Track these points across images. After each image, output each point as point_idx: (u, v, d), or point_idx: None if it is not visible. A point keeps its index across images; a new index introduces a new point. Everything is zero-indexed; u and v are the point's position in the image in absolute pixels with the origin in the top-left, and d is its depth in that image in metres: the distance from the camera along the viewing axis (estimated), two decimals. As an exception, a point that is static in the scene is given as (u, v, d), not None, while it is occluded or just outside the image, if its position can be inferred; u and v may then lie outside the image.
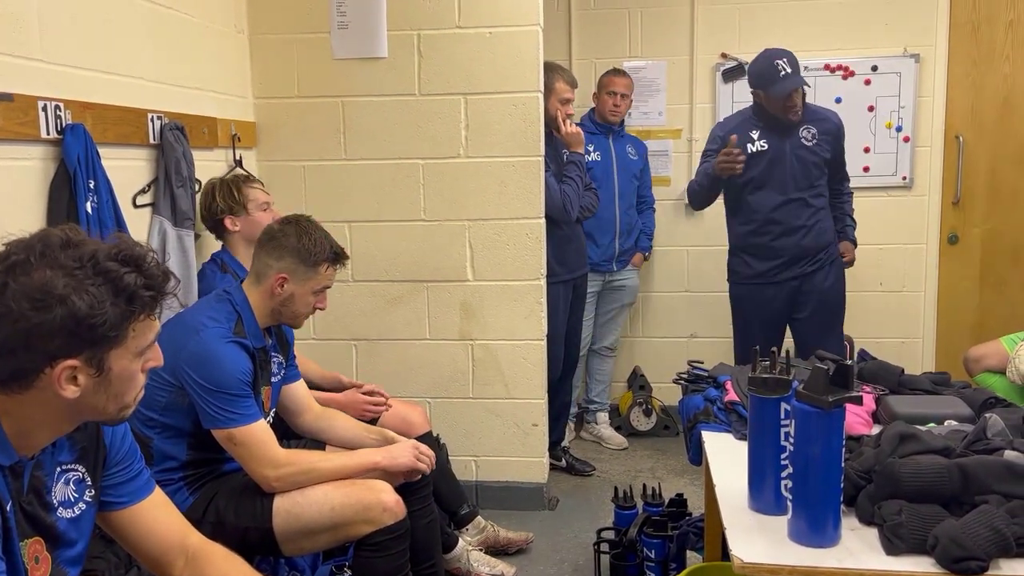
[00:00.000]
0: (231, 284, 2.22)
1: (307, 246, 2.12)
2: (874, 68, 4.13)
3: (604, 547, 2.74)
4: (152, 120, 2.52)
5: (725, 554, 1.74)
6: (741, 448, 1.74)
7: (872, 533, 1.46)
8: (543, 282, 3.29)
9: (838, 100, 4.06)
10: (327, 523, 2.03)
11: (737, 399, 2.08)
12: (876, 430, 1.84)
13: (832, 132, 3.43)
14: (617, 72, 4.01)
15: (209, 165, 2.93)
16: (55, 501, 1.28)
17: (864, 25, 4.12)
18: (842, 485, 1.44)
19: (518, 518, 3.22)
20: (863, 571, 1.37)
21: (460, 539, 2.79)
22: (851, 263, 3.62)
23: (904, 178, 4.21)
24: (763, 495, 1.60)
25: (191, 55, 2.82)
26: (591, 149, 3.85)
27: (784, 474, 1.55)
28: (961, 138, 4.14)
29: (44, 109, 2.05)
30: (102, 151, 2.21)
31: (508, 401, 3.34)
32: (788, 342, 3.56)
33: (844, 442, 1.44)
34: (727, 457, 1.86)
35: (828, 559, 1.40)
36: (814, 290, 3.43)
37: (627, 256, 4.09)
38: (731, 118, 3.57)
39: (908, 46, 4.10)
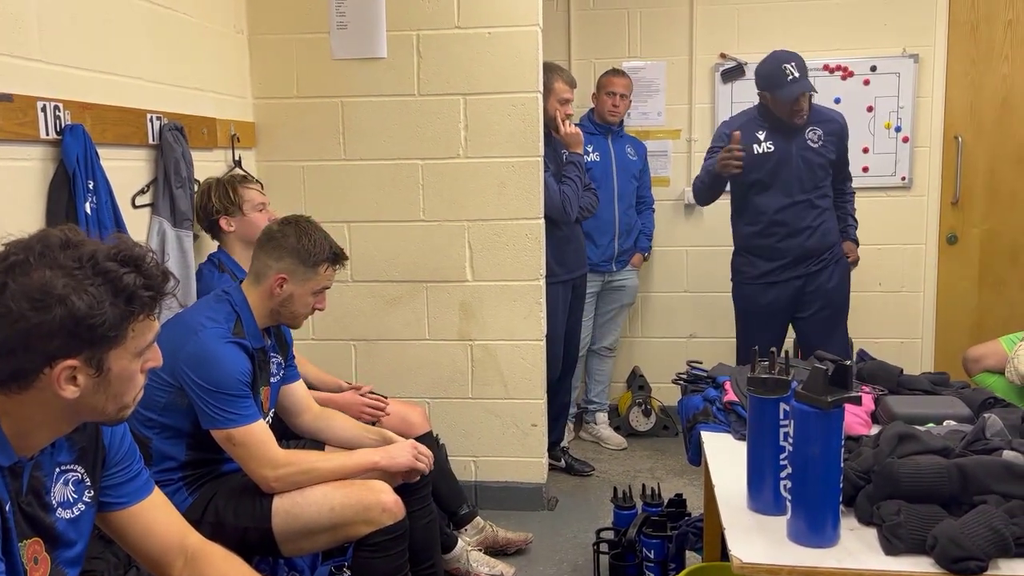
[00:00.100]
0: (230, 284, 2.22)
1: (306, 247, 2.12)
2: (873, 68, 4.13)
3: (603, 547, 2.74)
4: (151, 120, 2.52)
5: (724, 554, 1.74)
6: (740, 448, 1.74)
7: (871, 533, 1.46)
8: (542, 282, 3.29)
9: (837, 100, 4.06)
10: (326, 523, 2.03)
11: (736, 399, 2.08)
12: (875, 430, 1.84)
13: (837, 133, 3.43)
14: (616, 72, 4.01)
15: (208, 165, 2.93)
16: (54, 502, 1.28)
17: (863, 25, 4.12)
18: (841, 485, 1.44)
19: (517, 518, 3.22)
20: (862, 571, 1.37)
21: (459, 539, 2.79)
22: (856, 263, 3.62)
23: (903, 178, 4.21)
24: (762, 495, 1.60)
25: (190, 55, 2.82)
26: (590, 149, 3.85)
27: (783, 474, 1.55)
28: (960, 138, 4.15)
29: (43, 109, 2.05)
30: (101, 151, 2.21)
31: (507, 401, 3.34)
32: (788, 342, 3.56)
33: (843, 442, 1.44)
34: (726, 457, 1.86)
35: (827, 559, 1.40)
36: (819, 289, 3.43)
37: (626, 256, 4.09)
38: (737, 117, 3.56)
39: (907, 46, 4.11)
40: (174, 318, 2.11)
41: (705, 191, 3.55)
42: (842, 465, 1.44)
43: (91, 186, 2.15)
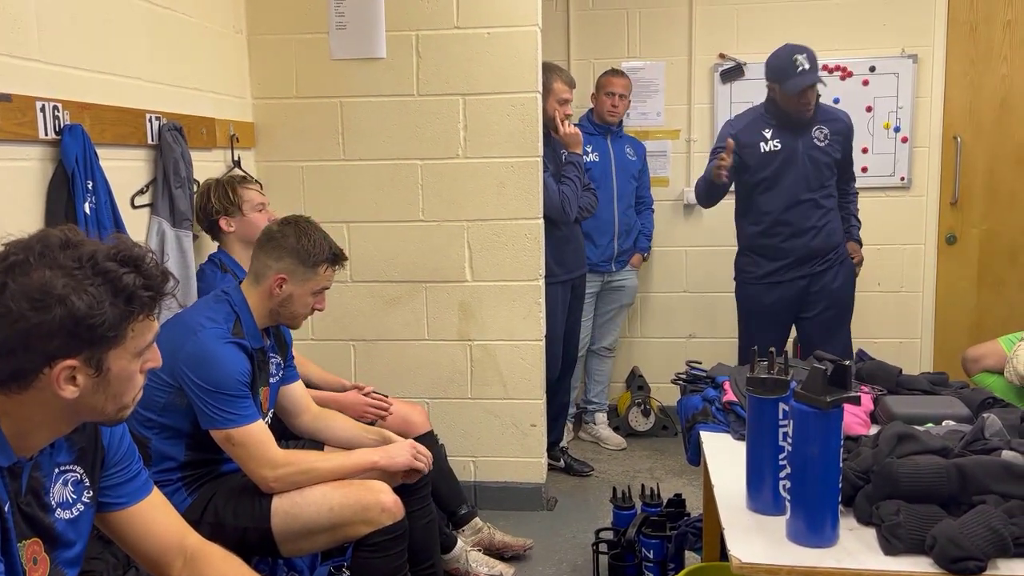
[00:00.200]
0: (230, 284, 2.22)
1: (306, 247, 2.12)
2: (872, 68, 4.13)
3: (602, 547, 2.74)
4: (150, 120, 2.52)
5: (723, 554, 1.74)
6: (739, 448, 1.74)
7: (870, 533, 1.46)
8: (541, 283, 3.29)
9: (836, 100, 4.05)
10: (326, 523, 2.03)
11: (735, 399, 2.08)
12: (874, 430, 1.85)
13: (843, 132, 3.42)
14: (615, 73, 4.01)
15: (207, 166, 2.93)
16: (53, 502, 1.28)
17: (862, 25, 4.12)
18: (840, 485, 1.44)
19: (516, 518, 3.22)
20: (861, 571, 1.37)
21: (459, 539, 2.79)
22: (860, 263, 3.62)
23: (902, 178, 4.22)
24: (761, 495, 1.60)
25: (189, 55, 2.82)
26: (589, 150, 3.85)
27: (782, 474, 1.55)
28: (959, 138, 4.15)
29: (42, 109, 2.05)
30: (100, 152, 2.21)
31: (506, 401, 3.34)
32: (788, 342, 3.56)
33: (842, 442, 1.44)
34: (725, 457, 1.86)
35: (826, 559, 1.40)
36: (823, 290, 3.42)
37: (626, 257, 4.10)
38: (743, 115, 3.53)
39: (906, 46, 4.11)
40: (173, 318, 2.11)
41: (705, 194, 3.54)
42: (841, 465, 1.44)
43: (90, 186, 2.15)
